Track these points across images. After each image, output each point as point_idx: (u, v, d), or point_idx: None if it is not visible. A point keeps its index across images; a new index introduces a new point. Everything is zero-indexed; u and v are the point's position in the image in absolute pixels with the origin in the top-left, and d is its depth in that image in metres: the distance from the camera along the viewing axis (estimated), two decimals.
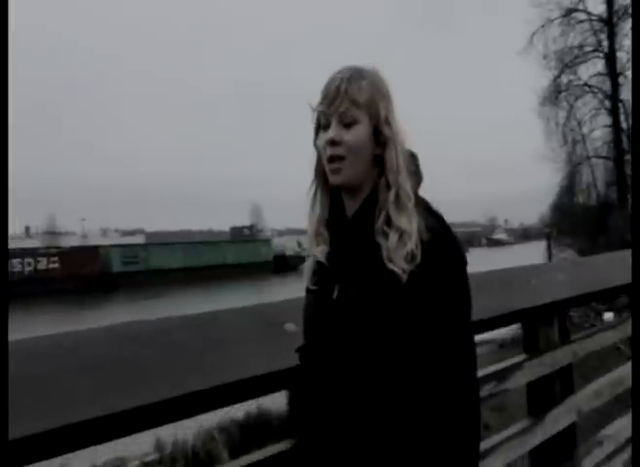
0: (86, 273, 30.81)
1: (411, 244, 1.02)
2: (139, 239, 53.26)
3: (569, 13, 16.76)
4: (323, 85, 1.11)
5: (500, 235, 73.79)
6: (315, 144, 1.13)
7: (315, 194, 1.15)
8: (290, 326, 1.28)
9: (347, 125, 1.07)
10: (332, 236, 1.12)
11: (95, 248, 34.04)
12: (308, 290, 1.16)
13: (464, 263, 1.08)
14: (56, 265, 30.76)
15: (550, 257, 20.75)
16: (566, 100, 17.70)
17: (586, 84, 17.24)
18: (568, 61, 17.06)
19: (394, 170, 1.07)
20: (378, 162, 1.09)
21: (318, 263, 1.13)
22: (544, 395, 1.95)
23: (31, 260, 30.54)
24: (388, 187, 1.07)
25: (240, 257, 35.94)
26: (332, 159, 1.08)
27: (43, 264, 30.71)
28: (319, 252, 1.12)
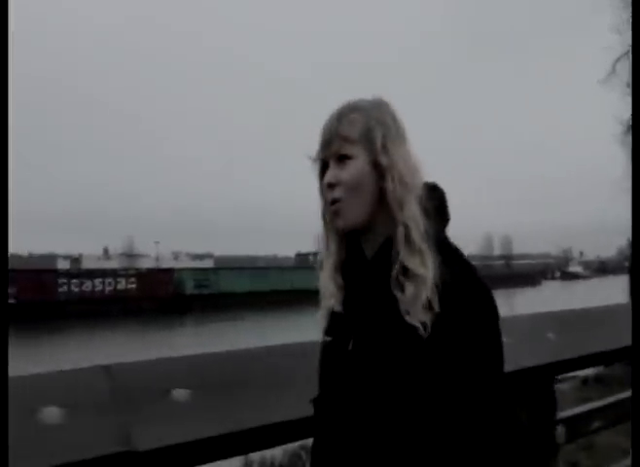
0: (161, 294, 32.01)
1: (427, 291, 0.93)
2: (208, 263, 54.87)
3: None
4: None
5: (575, 268, 70.41)
6: (320, 193, 1.07)
7: (326, 240, 1.07)
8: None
9: (343, 164, 1.02)
10: (347, 283, 1.05)
11: (170, 270, 35.34)
12: (323, 341, 1.08)
13: (492, 312, 0.97)
14: (134, 285, 32.16)
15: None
16: None
17: None
18: None
19: (397, 203, 0.99)
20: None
21: (333, 311, 1.06)
22: None
23: (111, 280, 32.08)
24: (397, 224, 0.98)
25: (306, 283, 36.22)
26: (332, 202, 1.02)
27: (122, 284, 32.18)
28: (334, 302, 1.05)
